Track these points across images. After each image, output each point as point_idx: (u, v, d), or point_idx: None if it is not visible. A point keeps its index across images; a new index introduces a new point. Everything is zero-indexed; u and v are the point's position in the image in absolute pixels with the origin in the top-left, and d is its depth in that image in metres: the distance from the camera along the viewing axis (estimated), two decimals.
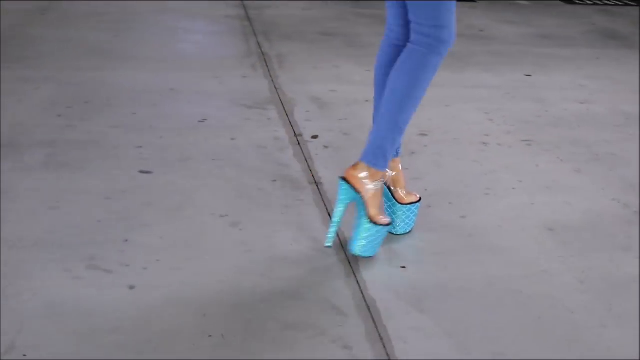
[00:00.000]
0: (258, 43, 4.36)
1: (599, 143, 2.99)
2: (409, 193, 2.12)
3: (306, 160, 2.63)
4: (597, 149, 2.92)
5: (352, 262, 1.94)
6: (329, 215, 2.20)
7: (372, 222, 1.91)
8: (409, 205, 2.09)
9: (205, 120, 3.02)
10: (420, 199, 2.14)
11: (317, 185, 2.42)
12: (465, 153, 2.80)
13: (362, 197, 1.90)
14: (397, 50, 2.01)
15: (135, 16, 4.91)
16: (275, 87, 3.50)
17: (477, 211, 2.30)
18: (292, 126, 2.98)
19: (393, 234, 2.09)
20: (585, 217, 2.30)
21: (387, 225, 1.97)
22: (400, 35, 2.01)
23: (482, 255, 2.03)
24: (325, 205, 2.27)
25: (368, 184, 1.91)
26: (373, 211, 1.92)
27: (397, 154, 2.06)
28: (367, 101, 3.35)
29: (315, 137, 2.88)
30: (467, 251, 2.05)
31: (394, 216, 2.08)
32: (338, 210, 1.91)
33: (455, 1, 1.87)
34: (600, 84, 3.92)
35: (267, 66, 3.87)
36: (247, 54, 4.10)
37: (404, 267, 1.93)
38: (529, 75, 4.00)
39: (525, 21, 5.56)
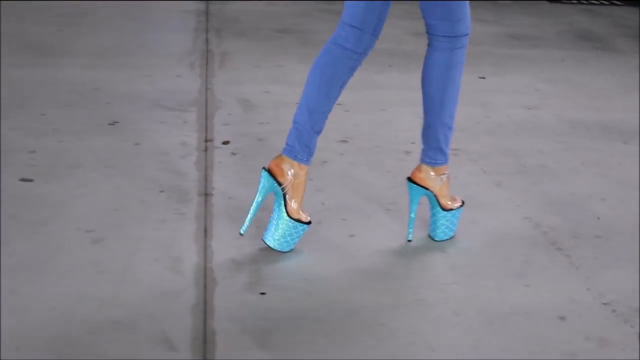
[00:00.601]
0: (207, 40, 4.21)
1: (531, 153, 2.80)
2: (452, 198, 2.10)
3: (206, 168, 2.47)
4: (527, 160, 2.73)
5: (208, 285, 1.78)
6: (206, 230, 2.04)
7: (291, 217, 1.90)
8: (453, 211, 2.08)
9: (116, 123, 2.87)
10: (463, 203, 2.11)
11: (205, 197, 2.26)
12: (381, 163, 2.63)
13: (282, 189, 1.91)
14: (342, 51, 1.94)
15: (88, 9, 4.77)
16: (206, 88, 3.35)
17: (369, 230, 2.13)
18: (206, 130, 2.82)
19: (433, 239, 2.07)
20: (487, 237, 2.12)
21: (307, 223, 1.94)
22: (354, 39, 1.93)
23: (357, 280, 1.86)
24: (205, 220, 2.11)
25: (290, 174, 1.92)
26: (293, 205, 1.92)
27: (308, 162, 1.96)
28: (297, 104, 3.18)
29: (226, 142, 2.72)
30: (341, 275, 1.88)
31: (436, 222, 2.06)
32: (256, 202, 1.92)
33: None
34: (557, 88, 3.72)
35: (206, 65, 3.71)
36: (190, 52, 3.94)
37: (263, 294, 1.77)
38: (483, 78, 3.82)
39: (498, 20, 5.36)
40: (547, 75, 3.94)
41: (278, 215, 1.91)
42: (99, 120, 2.88)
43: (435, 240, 2.07)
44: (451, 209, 2.07)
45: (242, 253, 1.94)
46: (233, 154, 2.63)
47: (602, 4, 6.34)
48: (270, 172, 1.92)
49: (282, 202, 1.91)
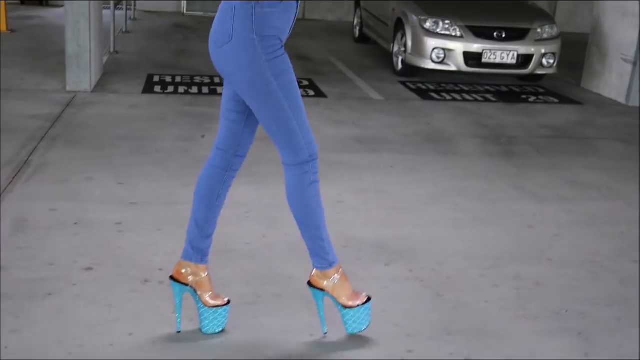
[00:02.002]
0: (34, 150, 4.23)
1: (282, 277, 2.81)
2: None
3: None
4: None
5: None
6: None
7: (209, 306, 2.33)
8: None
9: None
10: (369, 298, 2.39)
11: None
12: (109, 295, 2.62)
13: (190, 288, 2.34)
14: (212, 169, 2.32)
15: None
16: None
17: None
18: None
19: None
20: None
21: (227, 304, 2.36)
22: (220, 159, 2.32)
23: None
24: None
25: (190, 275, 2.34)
26: (206, 297, 2.34)
27: (202, 261, 2.36)
28: (76, 223, 3.20)
29: None
30: None
31: (343, 318, 2.37)
32: (177, 304, 2.35)
33: (303, 122, 2.19)
34: (360, 200, 3.77)
35: (12, 179, 3.72)
36: (7, 163, 3.96)
37: None
38: None
39: (355, 120, 5.46)
40: (361, 185, 3.99)
41: (200, 308, 2.34)
42: None
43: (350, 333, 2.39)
44: (352, 307, 2.34)
45: None
46: None
47: (476, 100, 6.52)
48: (173, 278, 2.35)
49: (197, 298, 2.33)
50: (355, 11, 9.57)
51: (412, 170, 4.36)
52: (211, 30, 2.22)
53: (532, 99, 6.75)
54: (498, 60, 6.82)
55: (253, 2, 2.08)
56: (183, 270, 2.35)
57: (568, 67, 7.80)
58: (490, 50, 6.77)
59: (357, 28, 9.41)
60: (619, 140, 5.43)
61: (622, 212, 3.83)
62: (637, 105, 6.64)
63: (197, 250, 2.34)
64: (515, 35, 6.87)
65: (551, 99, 6.80)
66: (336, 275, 2.33)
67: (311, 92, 6.35)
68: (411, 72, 7.18)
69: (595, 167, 4.62)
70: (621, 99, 6.77)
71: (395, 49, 7.38)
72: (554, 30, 7.10)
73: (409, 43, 7.03)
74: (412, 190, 3.97)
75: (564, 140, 5.33)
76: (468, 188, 4.04)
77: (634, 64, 6.62)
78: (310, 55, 8.45)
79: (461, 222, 3.54)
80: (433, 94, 6.63)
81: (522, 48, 6.83)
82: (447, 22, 6.84)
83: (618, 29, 6.86)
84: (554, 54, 7.01)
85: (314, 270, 2.35)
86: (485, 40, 6.80)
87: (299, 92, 2.21)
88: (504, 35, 6.82)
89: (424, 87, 6.90)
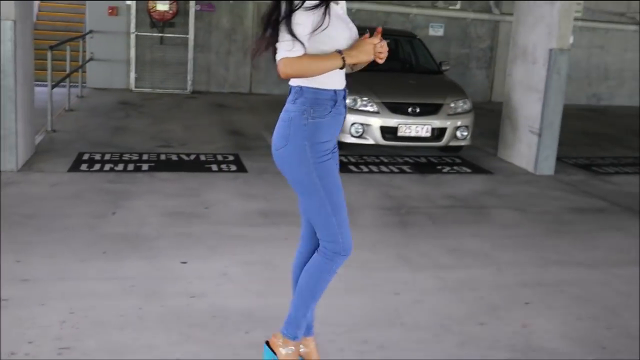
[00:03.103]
0: None
1: (141, 348, 3.04)
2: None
3: None
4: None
5: None
6: None
7: None
8: None
9: None
10: None
11: None
12: None
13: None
14: (301, 256, 2.85)
15: None
16: None
17: None
18: None
19: None
20: None
21: None
22: (307, 245, 2.83)
23: None
24: None
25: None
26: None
27: (309, 334, 2.86)
28: None
29: None
30: None
31: None
32: None
33: (342, 220, 2.61)
34: (247, 272, 4.02)
35: None
36: None
37: None
38: (185, 263, 4.11)
39: (267, 194, 5.74)
40: (250, 257, 4.25)
41: None
42: None
43: None
44: None
45: None
46: None
47: (392, 171, 6.86)
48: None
49: None
50: None
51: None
52: (272, 136, 2.67)
53: (447, 169, 7.11)
54: (413, 134, 7.21)
55: (306, 114, 2.55)
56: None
57: (492, 137, 8.21)
58: (405, 124, 7.17)
59: None
60: (514, 208, 5.77)
61: (490, 278, 4.12)
62: (545, 174, 7.03)
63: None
64: (429, 110, 7.29)
65: (465, 169, 7.17)
66: (293, 348, 2.77)
67: (233, 168, 6.66)
68: (342, 146, 7.51)
69: (481, 235, 4.93)
70: (530, 168, 7.16)
71: None
72: (467, 105, 7.54)
73: None
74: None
75: (462, 210, 5.66)
76: (351, 259, 4.30)
77: (539, 135, 7.04)
78: (245, 130, 8.82)
79: (333, 291, 3.77)
80: (352, 167, 6.97)
81: (436, 122, 7.24)
82: (365, 98, 7.25)
83: (525, 103, 7.31)
84: (467, 126, 7.42)
85: (279, 334, 2.79)
86: (400, 115, 7.20)
87: (341, 193, 2.65)
88: (418, 111, 7.24)
89: (345, 160, 7.24)
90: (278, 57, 2.46)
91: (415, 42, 8.88)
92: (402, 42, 8.94)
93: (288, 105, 2.62)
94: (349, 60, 2.50)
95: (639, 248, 4.84)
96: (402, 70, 8.48)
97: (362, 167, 7.01)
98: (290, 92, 2.62)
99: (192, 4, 11.88)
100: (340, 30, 2.53)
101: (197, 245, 4.41)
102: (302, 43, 2.43)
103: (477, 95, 12.31)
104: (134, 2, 11.63)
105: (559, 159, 7.96)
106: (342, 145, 7.44)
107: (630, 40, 14.22)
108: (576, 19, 13.56)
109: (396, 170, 6.96)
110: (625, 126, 11.30)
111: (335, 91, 2.59)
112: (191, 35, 12.01)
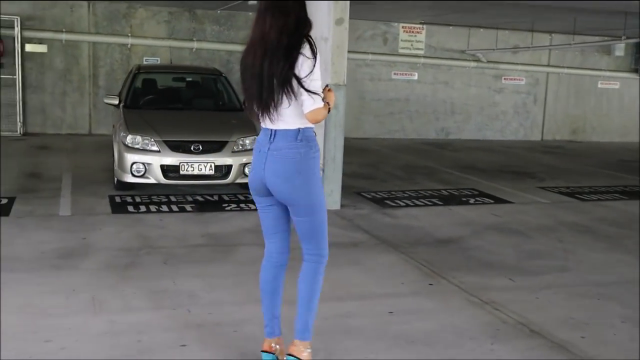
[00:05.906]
0: None
1: None
2: None
3: None
4: None
5: None
6: None
7: None
8: None
9: None
10: None
11: None
12: None
13: None
14: (270, 271, 3.31)
15: None
16: None
17: None
18: None
19: None
20: None
21: None
22: (276, 261, 3.32)
23: None
24: None
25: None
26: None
27: (278, 334, 3.33)
28: None
29: None
30: None
31: None
32: None
33: (325, 228, 3.22)
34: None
35: None
36: None
37: None
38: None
39: (14, 239, 5.51)
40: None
41: None
42: None
43: None
44: None
45: None
46: None
47: (171, 211, 6.74)
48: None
49: None
50: None
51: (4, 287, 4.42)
52: (278, 174, 3.08)
53: (231, 206, 7.04)
54: (196, 172, 7.12)
55: (313, 148, 3.11)
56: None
57: None
58: (187, 162, 7.08)
59: None
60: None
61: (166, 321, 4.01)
62: (331, 208, 7.04)
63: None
64: (213, 147, 7.22)
65: (244, 206, 7.10)
66: (309, 348, 3.23)
67: None
68: (129, 185, 7.36)
69: (206, 275, 4.84)
70: None
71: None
72: None
73: (116, 158, 7.27)
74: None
75: (208, 249, 5.56)
76: (39, 304, 4.14)
77: (323, 170, 7.06)
78: (46, 171, 8.57)
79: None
80: (130, 207, 6.82)
81: (219, 159, 7.17)
82: (145, 138, 7.13)
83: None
84: None
85: (295, 341, 3.21)
86: (182, 153, 7.11)
87: None
88: (200, 148, 7.16)
89: (129, 200, 7.10)
90: (310, 107, 2.99)
91: (221, 79, 8.86)
92: (207, 80, 8.91)
93: (291, 144, 3.07)
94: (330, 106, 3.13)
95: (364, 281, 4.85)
96: (198, 108, 8.42)
97: (142, 207, 6.87)
98: (275, 135, 3.07)
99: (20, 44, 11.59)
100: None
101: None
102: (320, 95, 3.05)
103: None
104: None
105: (358, 193, 8.06)
106: (125, 185, 7.31)
107: (472, 76, 14.72)
108: (419, 56, 13.99)
109: (176, 209, 6.84)
110: (453, 159, 11.55)
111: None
112: (18, 76, 11.69)
